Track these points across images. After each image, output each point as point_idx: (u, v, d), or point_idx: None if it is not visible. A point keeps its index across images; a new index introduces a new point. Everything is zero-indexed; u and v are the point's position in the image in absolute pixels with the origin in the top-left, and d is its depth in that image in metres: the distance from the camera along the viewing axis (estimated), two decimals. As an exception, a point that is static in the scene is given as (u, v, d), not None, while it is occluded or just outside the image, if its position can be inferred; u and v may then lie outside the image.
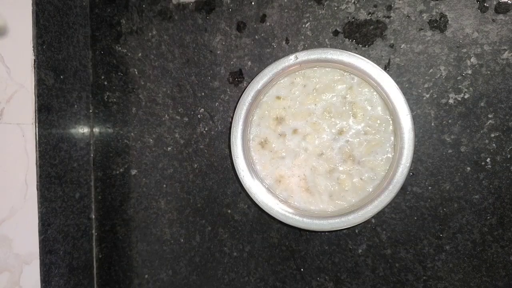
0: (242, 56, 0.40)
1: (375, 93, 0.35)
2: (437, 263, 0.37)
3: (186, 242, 0.43)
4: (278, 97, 0.37)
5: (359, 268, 0.39)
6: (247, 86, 0.37)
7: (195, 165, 0.42)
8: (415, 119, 0.36)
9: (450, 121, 0.36)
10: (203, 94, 0.42)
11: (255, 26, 0.40)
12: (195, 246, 0.43)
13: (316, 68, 0.36)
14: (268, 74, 0.36)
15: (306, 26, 0.38)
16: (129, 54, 0.43)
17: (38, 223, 0.38)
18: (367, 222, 0.38)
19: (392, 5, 0.36)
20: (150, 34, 0.43)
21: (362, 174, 0.36)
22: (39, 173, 0.38)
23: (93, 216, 0.46)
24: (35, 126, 0.38)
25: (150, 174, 0.44)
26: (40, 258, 0.38)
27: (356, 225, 0.37)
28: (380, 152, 0.35)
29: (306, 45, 0.39)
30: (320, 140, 0.37)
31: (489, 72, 0.35)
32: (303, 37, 0.39)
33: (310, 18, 0.38)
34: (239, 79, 0.41)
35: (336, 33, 0.38)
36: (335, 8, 0.38)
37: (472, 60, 0.35)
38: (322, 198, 0.37)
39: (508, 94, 0.34)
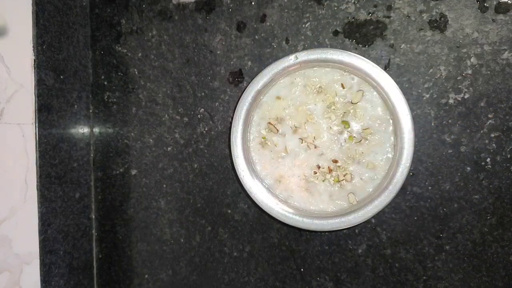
0: (242, 56, 0.40)
1: (375, 93, 0.35)
2: (437, 263, 0.37)
3: (186, 242, 0.43)
4: (278, 97, 0.37)
5: (359, 268, 0.39)
6: (247, 86, 0.37)
7: (195, 165, 0.42)
8: (415, 119, 0.36)
9: (450, 121, 0.36)
10: (203, 94, 0.42)
11: (255, 26, 0.40)
12: (195, 246, 0.43)
13: (316, 68, 0.36)
14: (268, 74, 0.36)
15: (306, 26, 0.38)
16: (129, 54, 0.43)
17: (38, 223, 0.38)
18: (367, 222, 0.37)
19: (392, 5, 0.36)
20: (150, 34, 0.43)
21: (362, 174, 0.36)
22: (39, 173, 0.38)
23: (93, 216, 0.46)
24: (35, 126, 0.38)
25: (150, 174, 0.44)
26: (40, 258, 0.38)
27: (356, 225, 0.37)
28: (380, 152, 0.35)
29: (306, 45, 0.39)
30: (320, 140, 0.37)
31: (489, 72, 0.35)
32: (303, 37, 0.39)
33: (310, 18, 0.38)
34: (239, 79, 0.41)
35: (336, 33, 0.38)
36: (335, 8, 0.38)
37: (472, 60, 0.35)
38: (322, 198, 0.37)
39: (508, 94, 0.34)
